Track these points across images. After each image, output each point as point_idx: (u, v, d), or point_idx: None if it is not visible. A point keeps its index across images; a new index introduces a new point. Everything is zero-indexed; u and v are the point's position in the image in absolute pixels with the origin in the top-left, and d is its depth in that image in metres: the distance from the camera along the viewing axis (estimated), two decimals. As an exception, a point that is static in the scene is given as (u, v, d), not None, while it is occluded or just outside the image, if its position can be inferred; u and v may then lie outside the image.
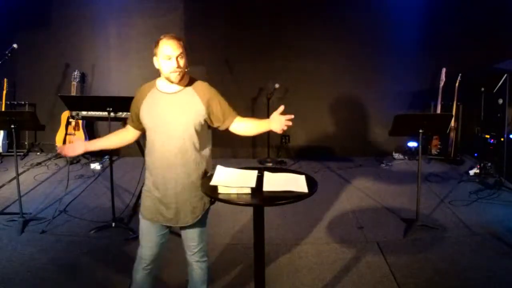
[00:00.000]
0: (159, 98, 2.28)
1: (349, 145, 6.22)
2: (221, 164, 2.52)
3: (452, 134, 5.67)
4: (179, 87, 2.29)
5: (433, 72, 5.94)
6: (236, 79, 6.08)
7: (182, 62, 2.22)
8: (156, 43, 2.22)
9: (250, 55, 6.06)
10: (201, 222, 2.38)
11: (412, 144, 6.07)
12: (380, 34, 5.96)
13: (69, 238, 3.67)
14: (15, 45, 4.38)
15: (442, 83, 5.64)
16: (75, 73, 5.96)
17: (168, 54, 2.18)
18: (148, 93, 2.31)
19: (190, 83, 2.32)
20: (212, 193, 2.24)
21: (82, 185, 4.98)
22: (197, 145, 2.30)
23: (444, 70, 5.62)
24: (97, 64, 6.20)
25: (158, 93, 2.29)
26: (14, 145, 3.83)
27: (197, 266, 2.47)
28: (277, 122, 2.41)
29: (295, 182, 2.31)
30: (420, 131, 3.61)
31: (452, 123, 5.47)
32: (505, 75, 4.91)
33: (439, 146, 5.87)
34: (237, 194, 2.21)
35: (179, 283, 2.87)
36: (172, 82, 2.25)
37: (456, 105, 5.62)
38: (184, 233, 2.41)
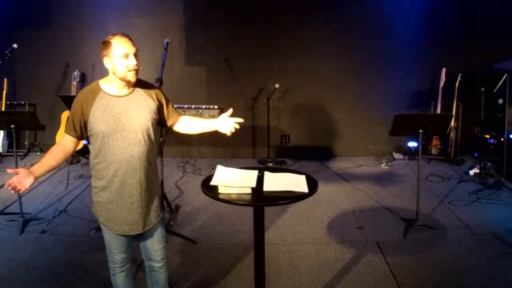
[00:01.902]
0: (112, 102, 2.16)
1: (349, 145, 6.22)
2: (221, 164, 2.52)
3: (452, 134, 5.67)
4: (129, 90, 2.22)
5: (433, 72, 5.95)
6: (236, 79, 6.08)
7: (138, 60, 2.17)
8: (107, 43, 2.12)
9: (250, 55, 6.05)
10: (162, 220, 2.40)
11: (412, 144, 6.07)
12: (380, 34, 5.95)
13: (69, 238, 3.67)
14: (15, 45, 4.37)
15: (442, 83, 5.63)
16: (75, 73, 5.96)
17: (126, 52, 2.11)
18: (95, 98, 2.14)
19: (137, 84, 2.26)
20: (212, 193, 2.24)
21: (82, 185, 4.98)
22: (153, 144, 2.27)
23: (444, 70, 5.62)
24: (97, 64, 6.19)
25: (109, 97, 2.16)
26: (14, 145, 3.83)
27: (163, 269, 2.43)
28: (225, 124, 2.40)
29: (295, 182, 2.31)
30: (420, 131, 3.61)
31: (452, 123, 5.47)
32: (505, 75, 4.91)
33: (439, 146, 5.87)
34: (238, 194, 2.22)
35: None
36: (129, 82, 2.17)
37: (456, 105, 5.61)
38: (150, 239, 2.35)
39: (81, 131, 2.18)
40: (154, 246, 2.37)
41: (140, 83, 2.27)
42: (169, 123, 2.43)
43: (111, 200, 2.22)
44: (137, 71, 2.16)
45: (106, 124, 2.12)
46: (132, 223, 2.23)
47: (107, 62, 2.15)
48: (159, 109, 2.33)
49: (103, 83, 2.21)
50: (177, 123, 2.48)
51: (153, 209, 2.30)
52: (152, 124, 2.24)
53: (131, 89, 2.23)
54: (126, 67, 2.12)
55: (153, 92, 2.30)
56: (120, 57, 2.10)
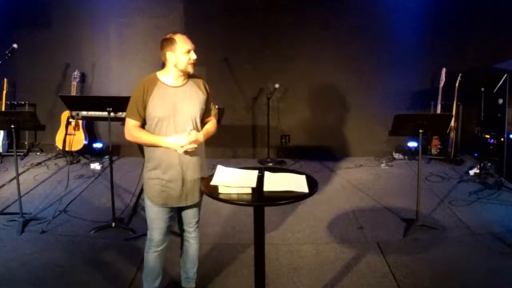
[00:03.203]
0: (168, 91, 2.44)
1: (349, 145, 6.22)
2: (221, 164, 2.53)
3: (452, 134, 5.67)
4: (183, 81, 2.50)
5: (433, 72, 5.94)
6: (236, 79, 6.08)
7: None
8: (172, 40, 2.41)
9: (250, 55, 6.06)
10: (201, 199, 2.64)
11: (412, 144, 6.07)
12: (380, 34, 5.95)
13: (69, 238, 3.67)
14: (15, 45, 4.37)
15: (442, 83, 5.63)
16: (75, 73, 5.96)
17: (189, 48, 2.42)
18: (154, 87, 2.43)
19: (189, 76, 2.54)
20: (212, 193, 2.24)
21: (82, 185, 4.97)
22: (199, 130, 2.53)
23: (444, 70, 5.62)
24: (97, 64, 6.19)
25: (166, 87, 2.45)
26: (14, 145, 3.82)
27: (195, 241, 2.73)
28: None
29: (296, 182, 2.31)
30: (420, 131, 3.61)
31: (452, 123, 5.47)
32: (505, 75, 4.91)
33: (439, 146, 5.87)
34: (238, 194, 2.22)
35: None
36: (188, 73, 2.47)
37: (456, 105, 5.61)
38: (187, 212, 2.62)
39: (142, 115, 2.44)
40: (188, 219, 2.65)
41: (191, 75, 2.54)
42: (205, 117, 2.61)
43: (160, 177, 2.47)
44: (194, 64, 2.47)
45: (162, 111, 2.41)
46: (177, 198, 2.50)
47: (170, 56, 2.42)
48: (206, 100, 2.57)
49: (160, 75, 2.48)
50: (207, 119, 2.65)
51: (197, 189, 2.54)
52: (200, 113, 2.52)
53: (185, 80, 2.51)
54: (188, 61, 2.43)
55: (201, 84, 2.58)
56: (184, 52, 2.41)
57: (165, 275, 3.01)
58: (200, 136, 2.49)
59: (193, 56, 2.44)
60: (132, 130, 2.45)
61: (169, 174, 2.45)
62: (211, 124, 2.65)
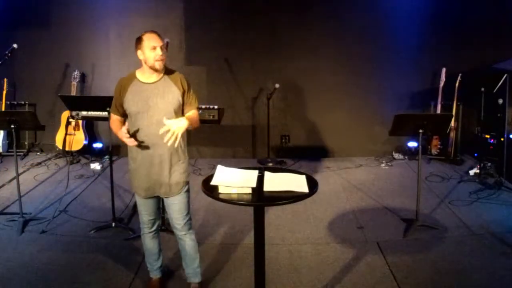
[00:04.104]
0: (142, 87, 2.57)
1: (349, 145, 6.22)
2: (221, 164, 2.53)
3: (452, 134, 5.66)
4: (157, 77, 2.59)
5: (433, 72, 5.94)
6: (236, 79, 6.08)
7: (164, 52, 2.53)
8: (140, 39, 2.53)
9: (250, 55, 6.05)
10: (185, 194, 2.70)
11: (412, 144, 6.07)
12: (380, 34, 5.95)
13: (69, 238, 3.67)
14: (15, 45, 4.38)
15: (442, 83, 5.63)
16: (75, 73, 5.96)
17: (154, 45, 2.49)
18: (130, 84, 2.58)
19: (166, 73, 2.62)
20: (212, 193, 2.24)
21: (82, 185, 4.98)
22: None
23: (444, 70, 5.62)
24: (97, 64, 6.19)
25: (140, 84, 2.58)
26: (14, 145, 3.82)
27: (188, 238, 2.77)
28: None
29: (296, 182, 2.32)
30: (420, 131, 3.61)
31: (452, 123, 5.47)
32: (505, 75, 4.91)
33: (439, 146, 5.87)
34: (238, 194, 2.22)
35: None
36: (156, 70, 2.54)
37: (456, 105, 5.61)
38: (171, 207, 2.69)
39: (121, 110, 2.63)
40: (174, 214, 2.70)
41: (168, 72, 2.63)
42: (185, 111, 2.65)
43: (136, 168, 2.64)
44: (163, 61, 2.54)
45: (136, 106, 2.55)
46: (150, 189, 2.64)
47: (140, 54, 2.55)
48: (183, 98, 2.62)
49: (138, 72, 2.62)
50: (188, 114, 2.67)
51: (173, 182, 2.62)
52: (176, 108, 2.58)
53: (160, 76, 2.59)
54: (154, 57, 2.50)
55: (178, 79, 2.62)
56: (150, 49, 2.50)
57: (169, 273, 3.02)
58: (183, 121, 2.44)
59: (158, 52, 2.50)
60: (111, 123, 2.73)
61: (148, 166, 2.59)
62: (192, 113, 2.65)
